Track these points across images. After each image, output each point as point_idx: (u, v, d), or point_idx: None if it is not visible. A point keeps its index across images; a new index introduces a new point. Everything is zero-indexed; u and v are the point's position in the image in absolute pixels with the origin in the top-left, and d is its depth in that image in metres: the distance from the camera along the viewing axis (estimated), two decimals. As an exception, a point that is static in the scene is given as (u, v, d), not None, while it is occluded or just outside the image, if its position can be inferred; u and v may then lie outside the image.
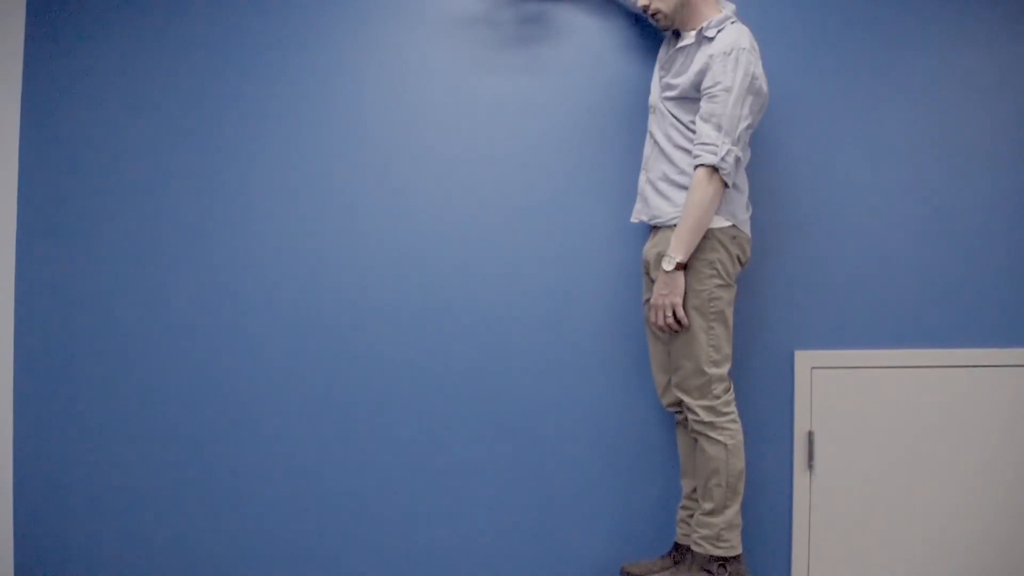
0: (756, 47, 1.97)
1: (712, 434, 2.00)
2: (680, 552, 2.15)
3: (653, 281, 2.09)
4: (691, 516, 2.13)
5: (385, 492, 2.29)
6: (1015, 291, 2.34)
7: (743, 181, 2.07)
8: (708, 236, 1.98)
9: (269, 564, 2.28)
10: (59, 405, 2.27)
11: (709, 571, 2.01)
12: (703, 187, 1.93)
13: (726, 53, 1.92)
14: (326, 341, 2.29)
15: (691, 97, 1.99)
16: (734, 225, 2.01)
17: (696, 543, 2.03)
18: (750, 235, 2.09)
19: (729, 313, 2.03)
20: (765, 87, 1.98)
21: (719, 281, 2.00)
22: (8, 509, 2.26)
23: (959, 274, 2.34)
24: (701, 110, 1.95)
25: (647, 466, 2.30)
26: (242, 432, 2.28)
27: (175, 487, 2.28)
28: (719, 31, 1.97)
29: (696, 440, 2.05)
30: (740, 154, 1.95)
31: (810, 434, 2.28)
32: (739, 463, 2.00)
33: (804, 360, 2.29)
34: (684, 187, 2.01)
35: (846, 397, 2.29)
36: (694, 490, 2.14)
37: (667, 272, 1.96)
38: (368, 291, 2.29)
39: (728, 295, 2.03)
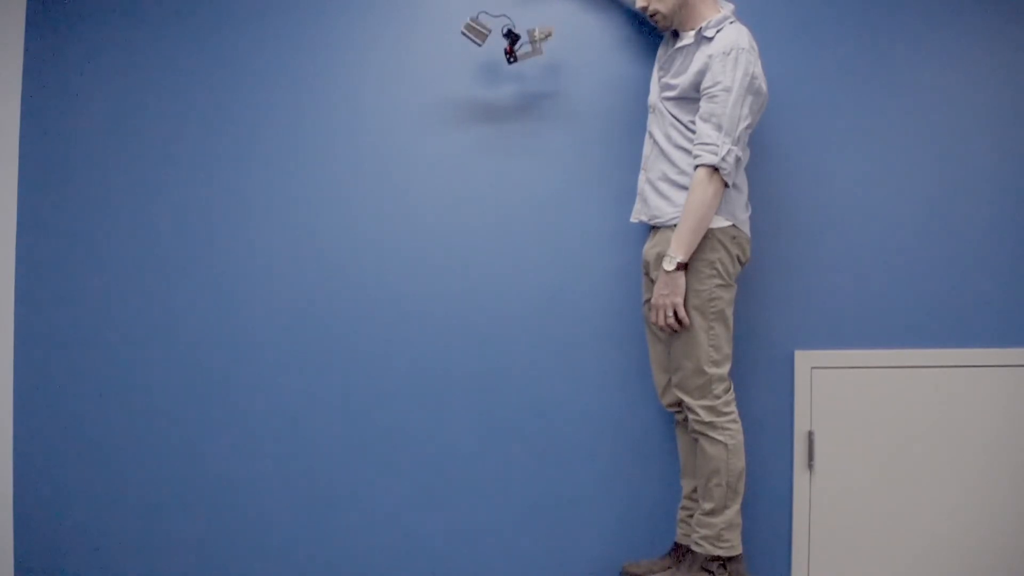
0: (755, 47, 1.97)
1: (712, 434, 2.00)
2: (680, 552, 2.15)
3: (653, 281, 2.09)
4: (691, 516, 2.13)
5: (385, 492, 2.29)
6: (1015, 291, 2.34)
7: (743, 181, 2.07)
8: (708, 236, 1.98)
9: (270, 564, 2.28)
10: (59, 405, 2.27)
11: (709, 571, 2.01)
12: (704, 187, 1.93)
13: (725, 53, 1.92)
14: (327, 342, 2.29)
15: (690, 97, 1.99)
16: (734, 225, 2.01)
17: (696, 543, 2.03)
18: (750, 235, 2.09)
19: (729, 313, 2.03)
20: (764, 87, 1.98)
21: (719, 281, 2.00)
22: (8, 509, 2.25)
23: (958, 274, 2.34)
24: (701, 110, 1.95)
25: (647, 466, 2.30)
26: (242, 433, 2.28)
27: (175, 487, 2.28)
28: (718, 31, 1.97)
29: (696, 440, 2.05)
30: (740, 154, 1.95)
31: (810, 434, 2.28)
32: (739, 463, 2.00)
33: (804, 360, 2.29)
34: (684, 187, 2.01)
35: (846, 397, 2.29)
36: (694, 490, 2.14)
37: (668, 272, 1.96)
38: (367, 292, 2.29)
39: (728, 295, 2.03)
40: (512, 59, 2.17)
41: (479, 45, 2.16)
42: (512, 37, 2.16)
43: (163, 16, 2.30)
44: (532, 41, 2.16)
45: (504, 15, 2.18)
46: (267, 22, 2.30)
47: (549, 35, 2.16)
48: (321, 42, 2.30)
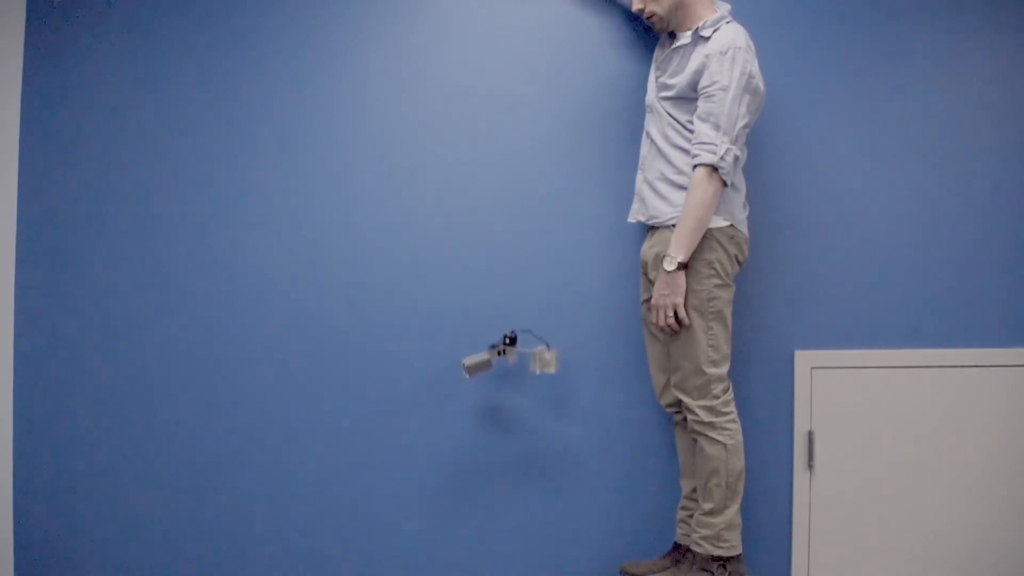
0: (752, 46, 1.97)
1: (712, 434, 2.00)
2: (680, 552, 2.15)
3: (651, 281, 2.09)
4: (691, 516, 2.13)
5: (384, 492, 2.29)
6: (1015, 291, 2.34)
7: (741, 181, 2.07)
8: (706, 236, 1.98)
9: (269, 565, 2.28)
10: (59, 405, 2.27)
11: (709, 571, 2.01)
12: (703, 187, 1.93)
13: (722, 52, 1.92)
14: (327, 341, 2.29)
15: (688, 97, 1.99)
16: (732, 225, 2.01)
17: (696, 543, 2.03)
18: (747, 235, 2.09)
19: (728, 313, 2.03)
20: (762, 86, 1.98)
21: (718, 281, 2.00)
22: (8, 509, 2.25)
23: (958, 274, 2.33)
24: (699, 110, 1.95)
25: (647, 466, 2.30)
26: (242, 432, 2.28)
27: (175, 487, 2.28)
28: (715, 31, 1.97)
29: (695, 440, 2.05)
30: (738, 153, 1.95)
31: (810, 434, 2.28)
32: (739, 463, 2.00)
33: (804, 360, 2.29)
34: (682, 187, 2.01)
35: (846, 397, 2.29)
36: (694, 490, 2.14)
37: (668, 272, 1.96)
38: (366, 290, 2.29)
39: (727, 295, 2.03)
40: (502, 355, 2.20)
41: (490, 369, 2.18)
42: (510, 341, 2.18)
43: (162, 16, 2.30)
44: (532, 359, 2.19)
45: (482, 354, 2.17)
46: (267, 23, 2.30)
47: (548, 366, 2.18)
48: (321, 42, 2.30)
